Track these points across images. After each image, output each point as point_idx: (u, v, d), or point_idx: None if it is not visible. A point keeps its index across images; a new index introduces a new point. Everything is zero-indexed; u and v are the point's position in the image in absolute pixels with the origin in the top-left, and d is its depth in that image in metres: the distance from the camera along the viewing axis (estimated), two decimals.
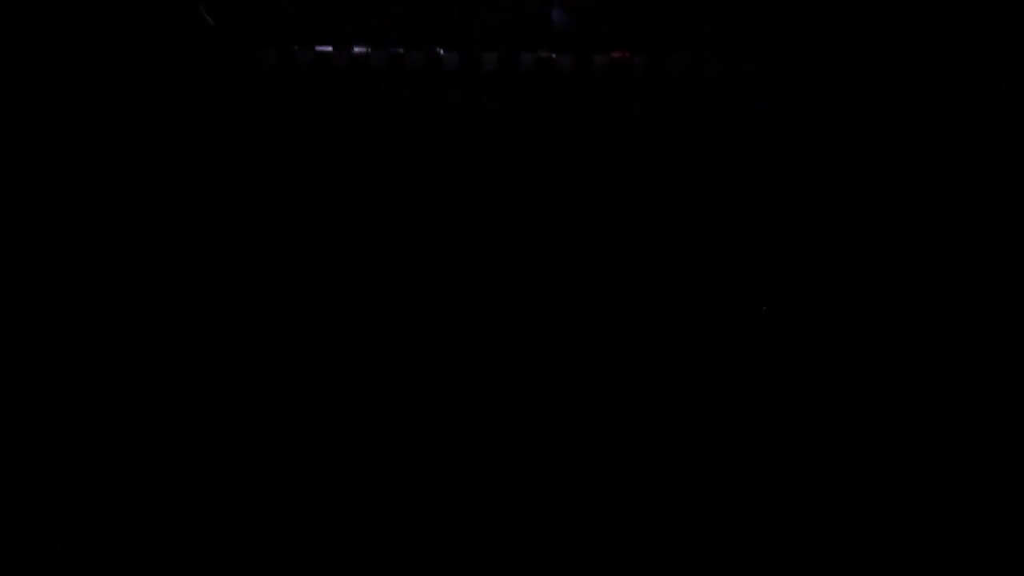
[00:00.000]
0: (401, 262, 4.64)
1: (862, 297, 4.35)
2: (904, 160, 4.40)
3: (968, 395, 4.06)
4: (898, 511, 3.81)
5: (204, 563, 3.55)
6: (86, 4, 4.50)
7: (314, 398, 4.25)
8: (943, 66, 4.29)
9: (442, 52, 4.60)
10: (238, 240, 4.66)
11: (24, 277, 4.40)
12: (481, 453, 4.05)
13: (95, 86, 4.58)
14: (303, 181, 4.73)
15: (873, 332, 4.29)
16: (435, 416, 4.19)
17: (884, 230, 4.39)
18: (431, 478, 3.93)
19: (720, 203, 4.60)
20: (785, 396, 4.21)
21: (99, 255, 4.53)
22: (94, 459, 3.92)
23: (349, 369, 4.35)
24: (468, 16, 4.61)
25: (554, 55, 4.59)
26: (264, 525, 3.69)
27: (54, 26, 4.52)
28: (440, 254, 4.64)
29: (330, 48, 4.62)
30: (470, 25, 4.62)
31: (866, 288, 4.36)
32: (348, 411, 4.20)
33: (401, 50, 4.61)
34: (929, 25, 4.29)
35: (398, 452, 4.04)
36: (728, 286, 4.51)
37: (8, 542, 3.56)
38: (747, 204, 4.56)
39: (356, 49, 4.62)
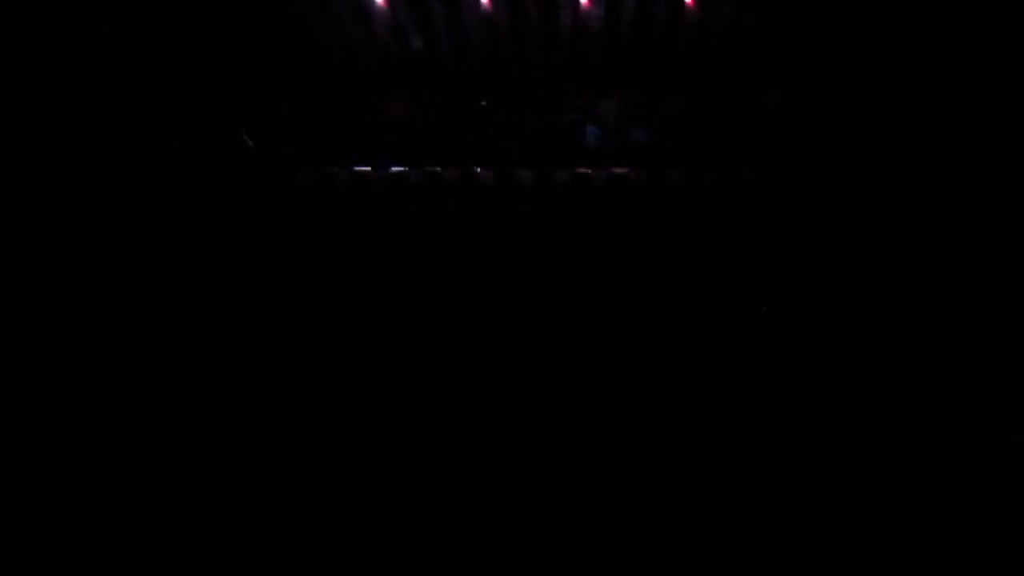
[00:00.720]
0: (436, 373, 4.66)
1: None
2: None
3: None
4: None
5: None
6: (137, 130, 4.61)
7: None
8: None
9: (479, 170, 4.69)
10: (279, 355, 4.69)
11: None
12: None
13: (147, 213, 4.66)
14: (342, 294, 4.78)
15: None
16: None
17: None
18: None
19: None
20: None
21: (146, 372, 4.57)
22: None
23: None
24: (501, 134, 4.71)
25: (588, 171, 4.67)
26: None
27: (106, 149, 4.63)
28: (471, 362, 4.66)
29: (368, 168, 4.71)
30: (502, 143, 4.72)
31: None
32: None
33: (439, 168, 4.69)
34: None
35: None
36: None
37: None
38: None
39: (393, 169, 4.71)
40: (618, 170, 4.67)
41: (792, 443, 4.25)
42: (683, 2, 4.28)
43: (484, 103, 4.63)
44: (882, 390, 4.29)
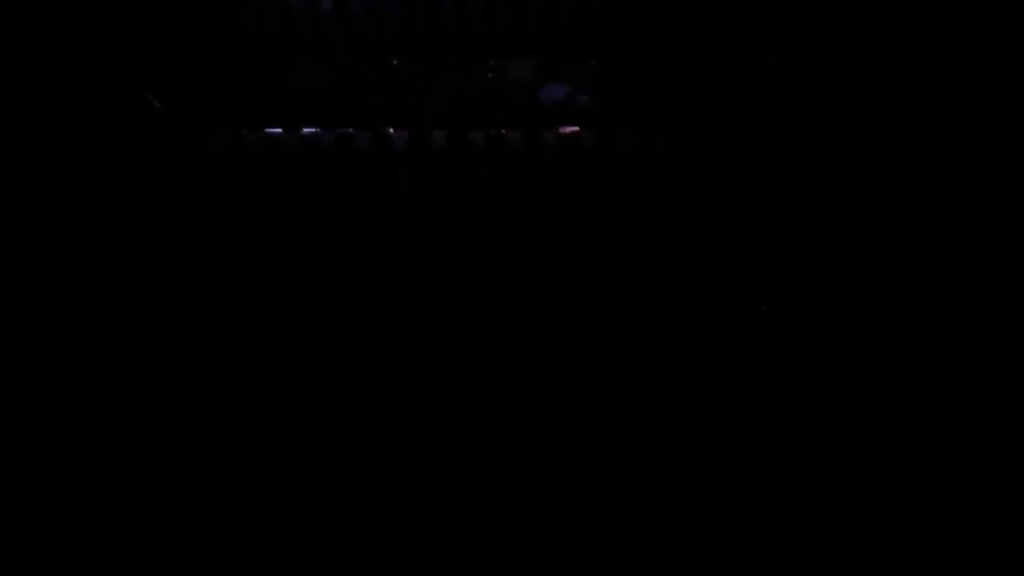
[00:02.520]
0: (351, 346, 4.62)
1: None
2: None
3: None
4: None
5: None
6: (37, 91, 4.49)
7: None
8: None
9: (392, 131, 4.64)
10: (191, 328, 4.61)
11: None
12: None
13: (41, 176, 4.55)
14: (256, 262, 4.71)
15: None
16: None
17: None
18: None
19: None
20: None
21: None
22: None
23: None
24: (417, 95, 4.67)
25: (503, 131, 4.64)
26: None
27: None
28: (387, 335, 4.63)
29: (280, 130, 4.64)
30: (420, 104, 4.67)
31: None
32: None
33: (351, 130, 4.63)
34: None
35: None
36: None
37: None
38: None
39: (306, 130, 4.64)
40: (535, 130, 4.66)
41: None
42: None
43: (395, 62, 4.57)
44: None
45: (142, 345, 4.52)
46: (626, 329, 4.60)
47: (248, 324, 4.63)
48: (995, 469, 3.92)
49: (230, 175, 4.64)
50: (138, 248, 4.64)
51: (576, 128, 4.63)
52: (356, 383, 4.49)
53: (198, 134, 4.61)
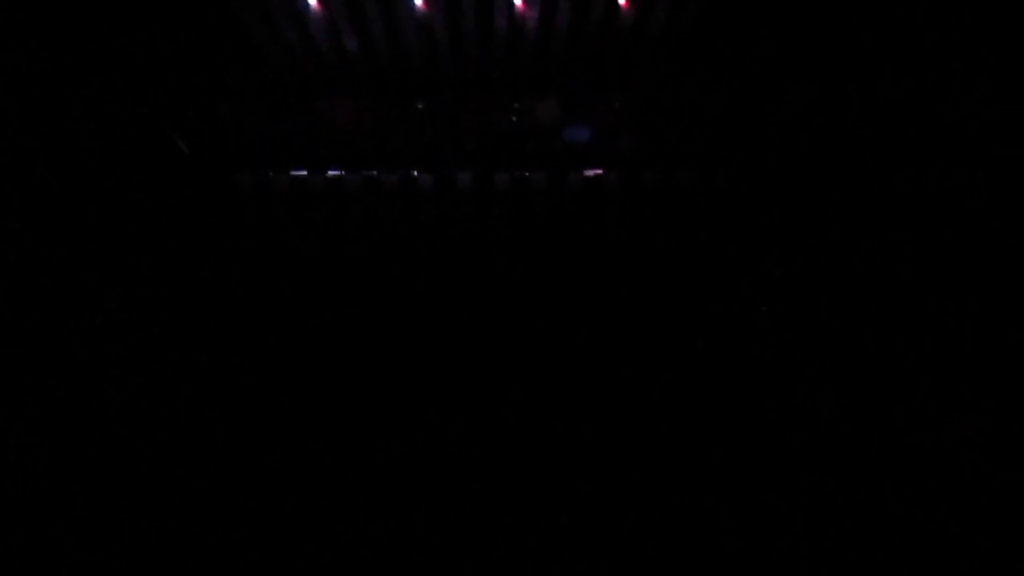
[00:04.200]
0: (377, 377, 4.66)
1: None
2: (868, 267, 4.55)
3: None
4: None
5: None
6: (65, 134, 4.51)
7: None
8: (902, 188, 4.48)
9: (416, 174, 4.65)
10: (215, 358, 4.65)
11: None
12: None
13: (74, 216, 4.58)
14: (282, 298, 4.75)
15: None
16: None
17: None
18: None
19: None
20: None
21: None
22: None
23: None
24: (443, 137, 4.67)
25: (528, 173, 4.65)
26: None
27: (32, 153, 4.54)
28: (411, 371, 4.67)
29: (305, 172, 4.65)
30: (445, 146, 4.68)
31: None
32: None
33: (375, 172, 4.64)
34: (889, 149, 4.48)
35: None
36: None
37: None
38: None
39: (330, 173, 4.65)
40: (560, 171, 4.67)
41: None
42: (618, 4, 4.26)
43: (421, 106, 4.58)
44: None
45: (167, 373, 4.56)
46: (652, 367, 4.63)
47: (274, 359, 4.67)
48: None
49: (256, 215, 4.67)
50: (165, 284, 4.67)
51: (600, 171, 4.65)
52: (377, 411, 4.53)
53: (224, 175, 4.63)
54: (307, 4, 4.39)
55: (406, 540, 4.12)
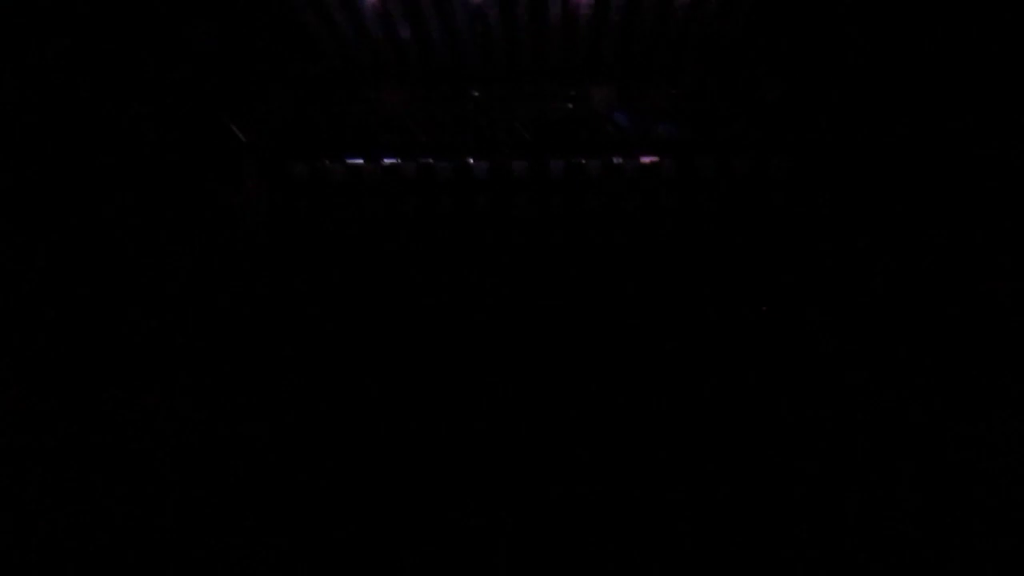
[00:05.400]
0: (431, 364, 4.70)
1: None
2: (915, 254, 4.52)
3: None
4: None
5: None
6: (124, 123, 4.58)
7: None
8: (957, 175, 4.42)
9: (472, 161, 4.65)
10: (270, 343, 4.72)
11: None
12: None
13: (133, 204, 4.65)
14: (337, 287, 4.80)
15: None
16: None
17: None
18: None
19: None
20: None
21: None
22: None
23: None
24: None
25: (583, 160, 4.64)
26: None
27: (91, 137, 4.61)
28: (462, 357, 4.70)
29: (361, 160, 4.68)
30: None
31: None
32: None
33: (432, 160, 4.65)
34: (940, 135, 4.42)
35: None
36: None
37: None
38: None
39: (386, 161, 4.67)
40: (615, 159, 4.65)
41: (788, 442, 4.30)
42: None
43: (476, 94, 4.57)
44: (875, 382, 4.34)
45: (224, 358, 4.63)
46: (703, 356, 4.63)
47: (330, 345, 4.72)
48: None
49: (311, 203, 4.71)
50: (223, 269, 4.73)
51: (655, 158, 4.62)
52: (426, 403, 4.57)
53: (280, 162, 4.68)
54: None
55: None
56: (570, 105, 4.60)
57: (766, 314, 4.65)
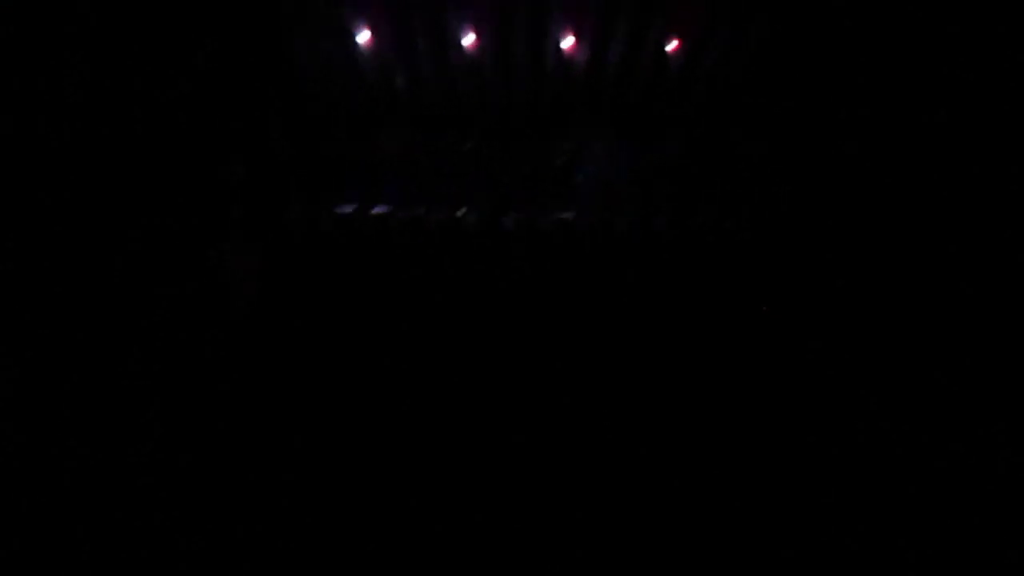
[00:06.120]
0: (419, 417, 4.67)
1: None
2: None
3: None
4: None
5: None
6: (119, 169, 4.63)
7: None
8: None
9: (463, 212, 4.66)
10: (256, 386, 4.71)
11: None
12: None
13: (129, 243, 4.68)
14: (331, 330, 4.79)
15: None
16: None
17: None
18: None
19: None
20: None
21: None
22: None
23: None
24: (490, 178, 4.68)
25: (572, 216, 4.63)
26: None
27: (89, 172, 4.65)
28: (455, 406, 4.67)
29: (352, 208, 4.70)
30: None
31: None
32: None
33: (424, 210, 4.67)
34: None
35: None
36: None
37: None
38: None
39: (377, 209, 4.70)
40: (605, 216, 4.64)
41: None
42: (665, 49, 4.23)
43: (470, 146, 4.60)
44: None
45: (210, 406, 4.62)
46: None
47: (321, 389, 4.70)
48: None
49: (305, 250, 4.73)
50: (215, 317, 4.74)
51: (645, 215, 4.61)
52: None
53: (275, 210, 4.70)
54: (357, 42, 4.45)
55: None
56: (563, 158, 4.62)
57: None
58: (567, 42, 4.37)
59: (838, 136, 4.44)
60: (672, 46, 4.32)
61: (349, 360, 4.69)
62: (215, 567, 4.02)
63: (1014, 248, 4.25)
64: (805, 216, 4.54)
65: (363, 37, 4.45)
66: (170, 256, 4.72)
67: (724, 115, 4.51)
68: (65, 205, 4.54)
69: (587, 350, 4.63)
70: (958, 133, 4.32)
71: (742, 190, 4.62)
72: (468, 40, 4.40)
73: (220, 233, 4.67)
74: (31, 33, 4.30)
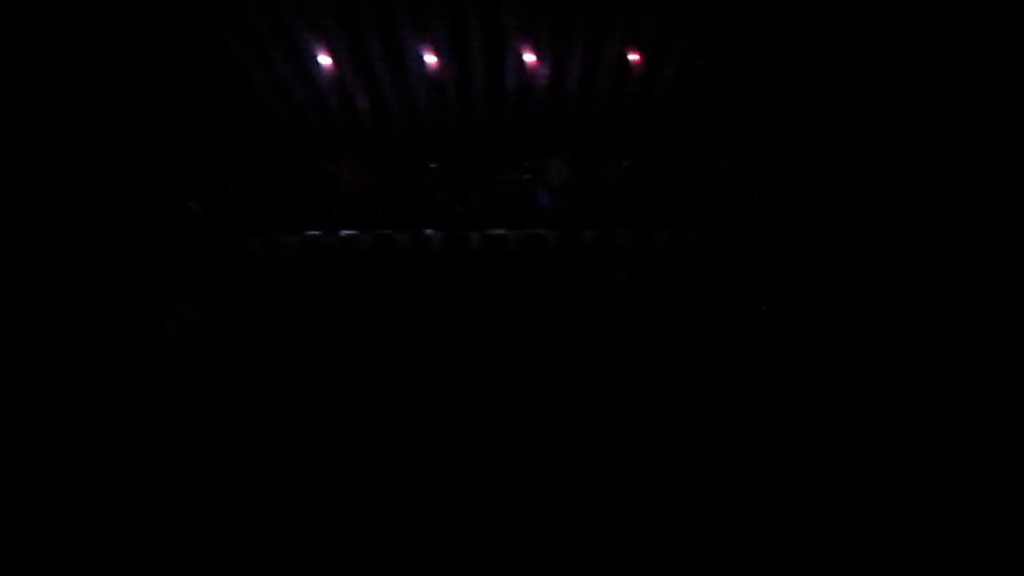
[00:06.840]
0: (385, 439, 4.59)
1: None
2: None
3: None
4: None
5: None
6: (79, 198, 4.53)
7: None
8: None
9: (430, 232, 4.62)
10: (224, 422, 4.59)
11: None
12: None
13: (86, 279, 4.58)
14: (293, 359, 4.70)
15: None
16: None
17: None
18: None
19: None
20: None
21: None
22: None
23: None
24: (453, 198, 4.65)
25: (540, 231, 4.61)
26: None
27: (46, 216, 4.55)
28: (427, 429, 4.59)
29: (318, 232, 4.64)
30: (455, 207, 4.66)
31: None
32: None
33: (389, 231, 4.62)
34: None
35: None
36: None
37: None
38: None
39: (343, 232, 4.63)
40: (570, 231, 4.62)
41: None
42: (628, 61, 4.24)
43: (433, 166, 4.57)
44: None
45: (177, 435, 4.51)
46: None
47: (286, 418, 4.61)
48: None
49: (267, 276, 4.65)
50: (176, 346, 4.64)
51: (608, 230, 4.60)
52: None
53: (236, 236, 4.62)
54: (318, 64, 4.41)
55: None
56: (527, 176, 4.60)
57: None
58: (527, 59, 4.37)
59: (809, 140, 4.47)
60: (633, 58, 4.33)
61: (322, 382, 4.60)
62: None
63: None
64: (785, 223, 4.56)
65: (324, 61, 4.41)
66: (138, 286, 4.64)
67: (687, 126, 4.53)
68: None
69: (557, 364, 4.59)
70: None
71: (708, 201, 4.63)
72: (429, 61, 4.39)
73: (186, 257, 4.60)
74: None
